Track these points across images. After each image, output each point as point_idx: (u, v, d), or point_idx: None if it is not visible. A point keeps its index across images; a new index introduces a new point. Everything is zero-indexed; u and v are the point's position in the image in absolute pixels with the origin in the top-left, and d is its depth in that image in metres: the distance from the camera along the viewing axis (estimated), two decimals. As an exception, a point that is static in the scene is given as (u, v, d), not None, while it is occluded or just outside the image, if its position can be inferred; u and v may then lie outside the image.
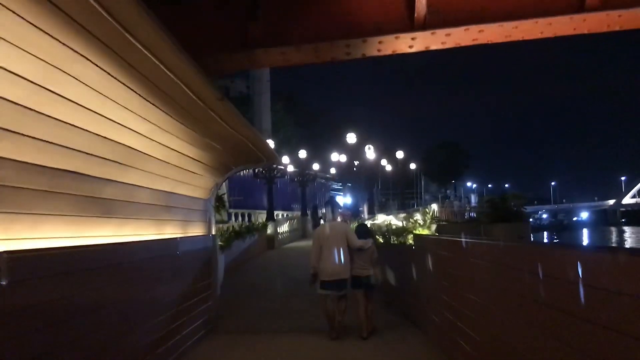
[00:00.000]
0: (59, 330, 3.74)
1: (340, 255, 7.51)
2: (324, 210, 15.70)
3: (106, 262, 4.54)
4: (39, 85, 3.42)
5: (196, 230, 8.30)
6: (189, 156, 6.90)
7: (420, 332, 7.39)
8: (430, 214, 8.06)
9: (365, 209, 32.23)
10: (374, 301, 7.84)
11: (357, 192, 27.62)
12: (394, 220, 27.52)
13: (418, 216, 39.18)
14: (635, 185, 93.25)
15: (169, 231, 6.94)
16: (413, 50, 5.02)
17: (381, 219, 26.79)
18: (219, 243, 12.90)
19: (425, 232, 8.24)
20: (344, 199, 43.88)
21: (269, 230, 24.04)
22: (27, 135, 3.61)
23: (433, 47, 5.09)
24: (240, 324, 8.89)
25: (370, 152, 25.55)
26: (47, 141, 3.82)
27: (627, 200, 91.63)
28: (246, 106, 41.47)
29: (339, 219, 8.29)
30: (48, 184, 3.94)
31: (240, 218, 28.05)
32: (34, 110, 3.55)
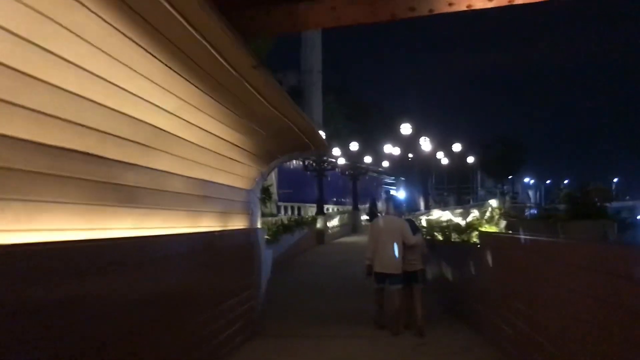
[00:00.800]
0: (59, 341, 3.12)
1: (394, 250, 7.63)
2: (380, 205, 14.78)
3: (120, 258, 3.89)
4: (28, 40, 2.77)
5: (237, 223, 7.65)
6: (227, 140, 6.23)
7: (487, 343, 6.47)
8: (498, 209, 7.11)
9: (421, 203, 31.06)
10: (425, 297, 7.79)
11: (410, 187, 26.51)
12: (449, 216, 26.32)
13: (475, 212, 37.46)
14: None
15: (206, 224, 6.30)
16: (491, 4, 4.11)
17: (436, 214, 25.51)
18: (266, 237, 12.30)
19: (493, 229, 7.26)
20: (397, 193, 42.72)
21: (319, 225, 23.37)
22: (21, 106, 2.97)
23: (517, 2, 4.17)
24: (286, 326, 8.23)
25: (425, 144, 24.37)
26: (47, 114, 3.17)
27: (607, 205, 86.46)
28: (298, 99, 40.95)
29: (392, 213, 8.27)
30: (50, 166, 3.30)
31: (289, 211, 27.59)
32: (28, 75, 2.91)
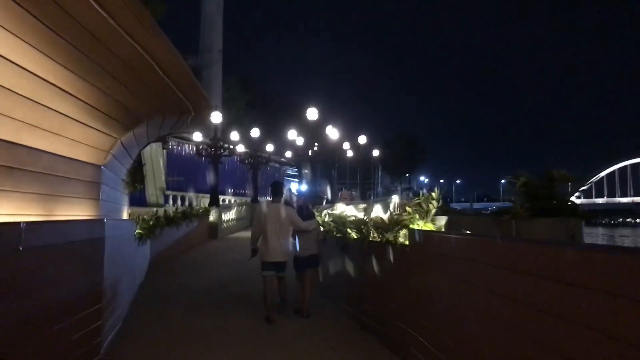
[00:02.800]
0: None
1: (282, 237, 7.80)
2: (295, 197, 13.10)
3: None
4: None
5: (77, 211, 5.41)
6: (59, 87, 4.04)
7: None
8: (436, 202, 5.58)
9: (329, 195, 29.58)
10: (317, 281, 8.45)
11: (315, 179, 24.96)
12: (354, 211, 25.11)
13: (378, 207, 36.79)
14: (580, 187, 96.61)
15: (7, 211, 4.06)
16: None
17: (340, 208, 24.02)
18: (137, 231, 10.00)
19: (429, 226, 5.63)
20: (300, 186, 41.19)
21: (212, 217, 21.08)
22: None
23: None
24: (150, 350, 6.07)
25: (332, 132, 22.85)
26: None
27: (572, 199, 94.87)
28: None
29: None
30: None
31: (179, 202, 24.97)
32: None
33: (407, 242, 5.78)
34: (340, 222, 8.74)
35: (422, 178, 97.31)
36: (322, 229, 9.36)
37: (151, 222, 11.57)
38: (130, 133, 6.13)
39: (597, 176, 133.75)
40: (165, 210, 15.36)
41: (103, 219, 5.65)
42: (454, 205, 68.43)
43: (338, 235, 8.74)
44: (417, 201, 5.90)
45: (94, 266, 5.19)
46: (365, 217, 7.77)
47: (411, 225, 5.80)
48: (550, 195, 5.18)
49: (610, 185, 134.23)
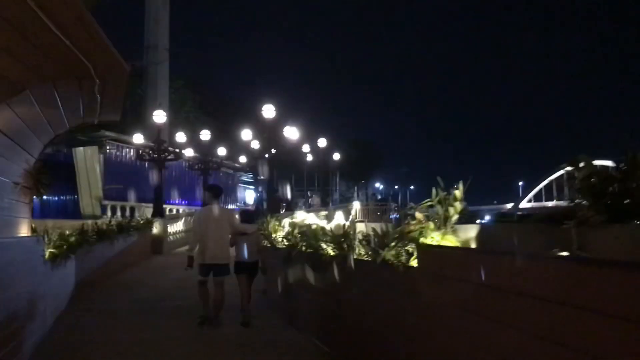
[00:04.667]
0: None
1: (220, 240, 7.77)
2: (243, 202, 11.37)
3: None
4: None
5: None
6: None
7: None
8: (459, 204, 4.16)
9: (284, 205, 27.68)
10: (253, 287, 8.33)
11: (271, 185, 23.04)
12: (315, 219, 23.43)
13: (340, 214, 35.18)
14: (530, 191, 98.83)
15: None
16: None
17: (300, 216, 22.22)
18: (50, 250, 7.93)
19: (450, 240, 3.92)
20: (257, 193, 39.23)
21: (156, 230, 18.87)
22: None
23: None
24: None
25: (290, 132, 21.04)
26: None
27: (524, 204, 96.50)
28: (140, 80, 35.60)
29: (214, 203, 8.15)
30: None
31: (119, 212, 22.58)
32: None
33: (415, 264, 4.06)
34: (311, 233, 6.93)
35: (377, 185, 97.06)
36: (284, 240, 8.52)
37: (72, 239, 9.45)
38: (5, 109, 4.17)
39: None
40: (95, 223, 13.17)
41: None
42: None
43: (308, 250, 6.95)
44: (429, 203, 4.16)
45: None
46: (349, 228, 5.96)
47: (422, 239, 4.05)
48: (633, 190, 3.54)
49: None
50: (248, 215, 8.93)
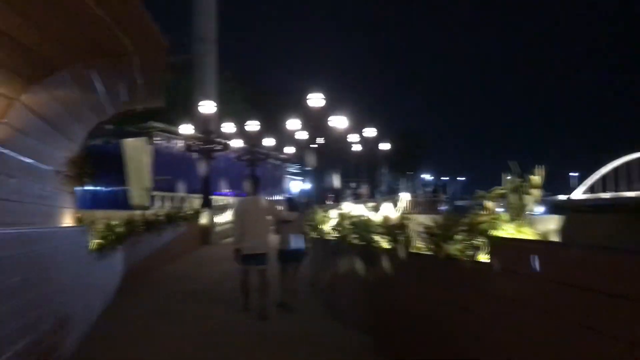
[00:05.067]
0: None
1: (260, 229, 7.84)
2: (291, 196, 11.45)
3: None
4: None
5: None
6: None
7: None
8: (537, 191, 3.71)
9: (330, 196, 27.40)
10: (299, 275, 8.44)
11: (319, 176, 22.56)
12: (363, 210, 22.94)
13: (389, 205, 34.46)
14: (584, 181, 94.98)
15: None
16: None
17: (347, 208, 21.79)
18: (96, 241, 7.82)
19: (526, 232, 3.45)
20: (304, 184, 39.04)
21: (203, 220, 18.88)
22: None
23: None
24: None
25: (339, 121, 20.63)
26: None
27: (578, 195, 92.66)
28: (188, 72, 35.83)
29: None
30: None
31: (168, 203, 22.75)
32: None
33: (484, 259, 3.60)
34: (363, 225, 6.52)
35: (423, 175, 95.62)
36: (333, 232, 8.21)
37: (119, 229, 9.37)
38: (41, 91, 3.95)
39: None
40: (143, 214, 13.17)
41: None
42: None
43: (359, 242, 6.55)
44: (501, 191, 3.67)
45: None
46: (404, 220, 5.51)
47: (493, 232, 3.58)
48: None
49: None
50: (292, 203, 9.04)
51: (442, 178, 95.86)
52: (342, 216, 8.18)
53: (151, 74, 4.60)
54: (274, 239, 8.26)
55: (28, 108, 4.00)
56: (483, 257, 3.67)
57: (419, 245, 4.93)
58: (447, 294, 4.24)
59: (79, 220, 7.16)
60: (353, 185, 40.56)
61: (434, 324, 4.55)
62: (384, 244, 5.83)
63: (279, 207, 8.36)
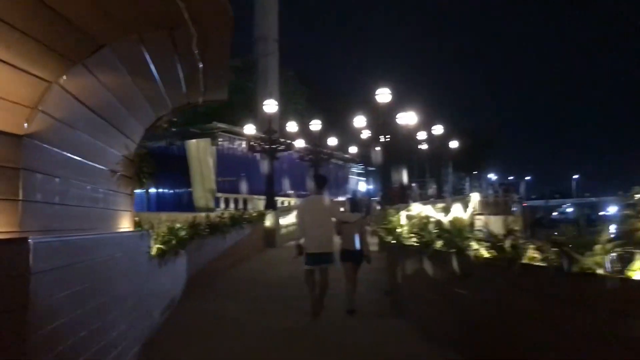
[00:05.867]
0: None
1: (324, 229, 7.87)
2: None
3: None
4: None
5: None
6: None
7: None
8: None
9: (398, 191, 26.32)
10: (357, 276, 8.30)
11: (383, 176, 21.59)
12: (432, 212, 21.83)
13: (458, 206, 32.96)
14: None
15: None
16: None
17: (416, 209, 20.85)
18: (157, 246, 7.34)
19: None
20: (367, 185, 38.10)
21: (268, 222, 18.40)
22: None
23: None
24: None
25: (406, 118, 19.67)
26: None
27: None
28: (250, 72, 35.83)
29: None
30: None
31: (232, 205, 22.46)
32: None
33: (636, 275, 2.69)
34: (455, 230, 5.63)
35: (489, 175, 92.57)
36: (412, 236, 7.46)
37: (182, 232, 8.87)
38: (83, 74, 3.35)
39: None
40: (207, 216, 12.74)
41: (27, 239, 2.90)
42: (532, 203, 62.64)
43: (449, 249, 5.67)
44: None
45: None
46: (512, 224, 4.60)
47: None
48: None
49: None
50: (353, 203, 9.10)
51: (509, 178, 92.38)
52: (425, 219, 7.30)
53: (213, 54, 3.94)
54: (336, 239, 8.29)
55: (70, 94, 3.41)
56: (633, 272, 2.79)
57: (532, 254, 4.04)
58: (581, 316, 3.34)
59: (138, 224, 6.65)
60: (420, 185, 39.25)
61: (556, 351, 3.65)
62: (483, 251, 4.94)
63: (341, 208, 8.41)
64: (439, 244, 6.24)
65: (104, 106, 4.09)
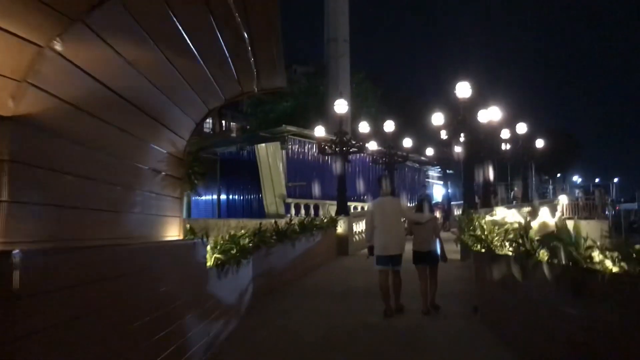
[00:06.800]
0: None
1: (393, 230, 7.92)
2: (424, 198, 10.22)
3: None
4: None
5: None
6: None
7: None
8: None
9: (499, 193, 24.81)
10: (437, 276, 8.23)
11: (467, 176, 20.18)
12: (517, 217, 20.21)
13: (545, 210, 30.69)
14: None
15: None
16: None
17: (501, 213, 19.20)
18: (215, 256, 6.69)
19: None
20: (446, 188, 36.38)
21: (340, 229, 17.55)
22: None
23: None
24: None
25: (489, 115, 18.29)
26: None
27: None
28: (321, 74, 35.39)
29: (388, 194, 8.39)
30: None
31: (302, 210, 21.81)
32: None
33: None
34: (567, 238, 4.51)
35: (575, 178, 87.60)
36: (508, 244, 6.50)
37: (244, 241, 8.19)
38: (87, 35, 2.63)
39: None
40: (275, 222, 12.06)
41: (9, 252, 2.22)
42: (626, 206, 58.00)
43: (558, 262, 4.57)
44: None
45: None
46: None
47: None
48: None
49: None
50: (423, 204, 8.73)
51: (595, 180, 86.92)
52: (526, 226, 6.18)
53: (259, 21, 3.15)
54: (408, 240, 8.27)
55: (72, 64, 2.71)
56: None
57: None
58: None
59: (192, 232, 5.98)
60: (505, 187, 37.10)
61: None
62: (608, 263, 3.85)
63: (412, 209, 8.37)
64: (542, 254, 5.17)
65: (128, 86, 3.39)
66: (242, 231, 9.14)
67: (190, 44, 3.37)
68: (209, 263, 6.40)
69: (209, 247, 6.55)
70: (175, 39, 3.18)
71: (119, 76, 3.32)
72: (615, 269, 3.70)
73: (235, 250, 7.42)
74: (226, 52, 3.65)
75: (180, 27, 3.08)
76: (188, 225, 5.86)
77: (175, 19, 2.92)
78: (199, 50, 3.52)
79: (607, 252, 3.84)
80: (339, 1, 34.25)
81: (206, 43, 3.47)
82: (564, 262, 4.36)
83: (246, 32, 3.29)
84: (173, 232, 5.17)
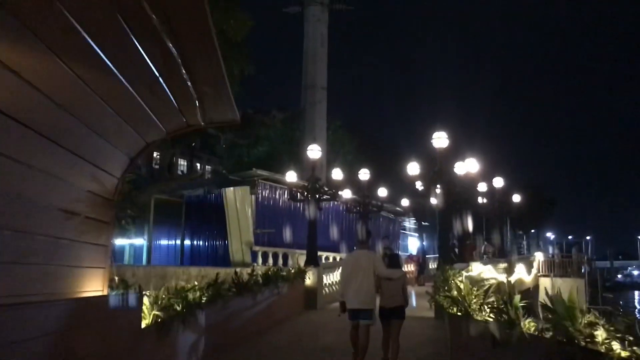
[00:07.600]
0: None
1: (365, 285, 7.80)
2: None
3: None
4: None
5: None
6: None
7: None
8: None
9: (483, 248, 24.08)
10: (399, 335, 7.91)
11: (442, 229, 19.57)
12: (493, 273, 19.65)
13: (521, 267, 30.19)
14: None
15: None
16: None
17: (476, 269, 18.86)
18: (154, 313, 5.85)
19: None
20: (421, 241, 35.86)
21: (309, 280, 16.63)
22: None
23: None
24: None
25: (466, 166, 17.90)
26: None
27: None
28: (298, 120, 35.10)
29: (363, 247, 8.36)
30: None
31: (270, 259, 20.86)
32: None
33: None
34: (562, 308, 3.82)
35: (548, 234, 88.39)
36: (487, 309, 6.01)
37: (193, 295, 7.32)
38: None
39: None
40: (235, 273, 11.18)
41: None
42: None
43: (549, 335, 3.87)
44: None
45: None
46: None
47: None
48: None
49: None
50: (395, 260, 8.76)
51: (568, 237, 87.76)
52: (504, 288, 5.49)
53: (195, 42, 2.51)
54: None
55: None
56: None
57: None
58: None
59: (124, 284, 5.16)
60: (473, 241, 36.60)
61: None
62: (616, 346, 3.16)
63: (382, 264, 8.10)
64: (528, 324, 4.49)
65: (38, 114, 2.68)
66: (196, 282, 8.32)
67: (104, 57, 2.69)
68: (146, 321, 5.56)
69: (147, 302, 5.72)
70: (84, 52, 2.50)
71: (16, 97, 2.61)
72: (625, 354, 3.01)
73: (181, 307, 6.55)
74: (153, 69, 2.99)
75: (87, 38, 2.41)
76: (116, 277, 5.03)
77: (80, 28, 2.25)
78: (118, 66, 2.85)
79: (614, 332, 3.16)
80: (318, 48, 34.37)
81: (126, 57, 2.80)
82: (558, 337, 3.67)
83: (171, 43, 2.64)
84: (94, 286, 4.35)
